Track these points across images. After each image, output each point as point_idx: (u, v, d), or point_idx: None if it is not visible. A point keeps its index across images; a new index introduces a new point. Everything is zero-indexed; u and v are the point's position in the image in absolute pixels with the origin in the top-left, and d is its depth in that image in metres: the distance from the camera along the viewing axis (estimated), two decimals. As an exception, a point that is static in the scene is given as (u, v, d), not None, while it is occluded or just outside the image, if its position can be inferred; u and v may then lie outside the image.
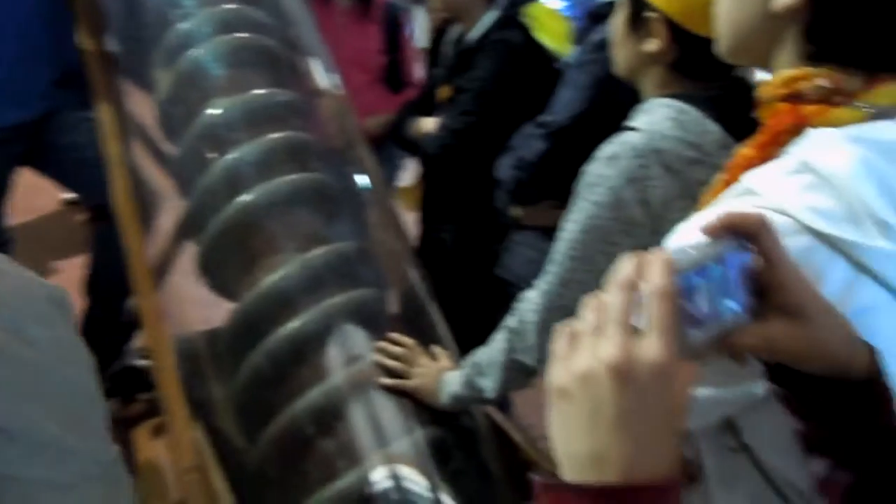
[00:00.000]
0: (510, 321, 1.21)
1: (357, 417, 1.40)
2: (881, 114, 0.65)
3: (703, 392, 0.68)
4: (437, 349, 1.42)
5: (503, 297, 2.08)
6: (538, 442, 1.50)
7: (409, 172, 2.77)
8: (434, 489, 1.35)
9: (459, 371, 1.31)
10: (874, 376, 0.57)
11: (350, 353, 1.45)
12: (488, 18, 1.97)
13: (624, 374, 0.47)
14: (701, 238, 0.55)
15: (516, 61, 1.71)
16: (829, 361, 0.56)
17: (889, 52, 0.65)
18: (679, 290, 0.49)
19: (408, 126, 2.11)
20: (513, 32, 1.92)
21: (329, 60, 1.96)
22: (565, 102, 1.61)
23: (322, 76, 1.90)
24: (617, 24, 1.15)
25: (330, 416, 1.39)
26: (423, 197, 2.34)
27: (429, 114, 2.08)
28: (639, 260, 0.50)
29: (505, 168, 1.69)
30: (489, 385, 1.24)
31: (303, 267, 1.52)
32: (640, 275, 0.49)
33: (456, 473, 1.39)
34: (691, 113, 1.05)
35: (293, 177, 1.64)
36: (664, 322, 0.48)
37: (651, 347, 0.47)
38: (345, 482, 1.33)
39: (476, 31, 1.99)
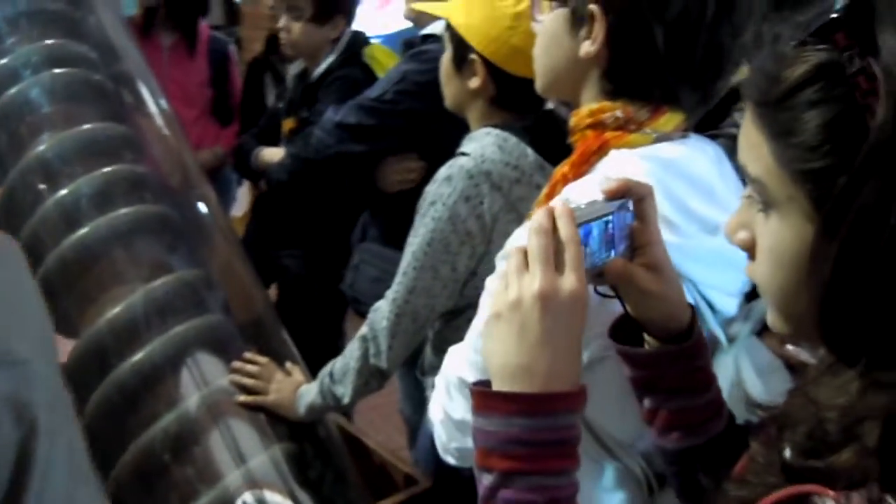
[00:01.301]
0: (362, 330, 1.32)
1: (213, 439, 1.44)
2: (662, 137, 0.84)
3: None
4: (290, 365, 1.49)
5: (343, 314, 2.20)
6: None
7: (239, 204, 2.81)
8: (295, 500, 1.42)
9: (315, 383, 1.39)
10: (693, 328, 0.74)
11: (202, 377, 1.49)
12: (331, 57, 2.11)
13: (548, 300, 0.60)
14: (593, 198, 0.69)
15: (356, 94, 1.85)
16: (666, 309, 0.72)
17: (666, 90, 0.85)
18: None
19: (252, 156, 2.18)
20: (354, 69, 2.08)
21: (159, 93, 1.98)
22: None
23: (154, 109, 1.92)
24: (444, 63, 1.32)
25: (185, 441, 1.42)
26: (254, 226, 2.41)
27: (271, 144, 2.16)
28: (549, 213, 0.64)
29: None
30: (345, 392, 1.34)
31: (146, 297, 1.54)
32: (552, 224, 0.63)
33: (315, 482, 1.47)
34: (511, 140, 1.23)
35: (131, 209, 1.65)
36: (576, 261, 0.62)
37: (568, 280, 0.61)
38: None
39: (320, 68, 2.11)
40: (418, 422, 1.72)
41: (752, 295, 0.96)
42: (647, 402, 0.78)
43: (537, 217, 0.65)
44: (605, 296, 0.75)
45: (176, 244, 1.71)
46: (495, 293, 0.64)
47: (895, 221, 0.44)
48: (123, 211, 1.63)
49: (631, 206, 0.71)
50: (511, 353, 0.62)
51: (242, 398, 1.41)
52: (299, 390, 1.41)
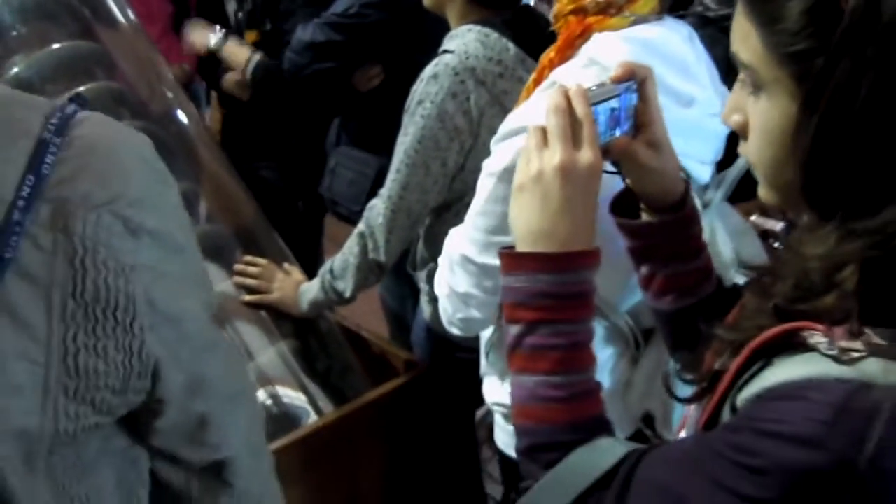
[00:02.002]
0: (360, 228, 1.40)
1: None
2: (640, 19, 0.91)
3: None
4: (288, 266, 1.57)
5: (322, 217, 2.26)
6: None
7: (208, 122, 2.80)
8: (306, 391, 1.52)
9: (316, 280, 1.48)
10: (686, 199, 0.82)
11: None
12: None
13: (568, 172, 0.68)
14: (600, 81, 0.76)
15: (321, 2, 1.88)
16: (664, 183, 0.80)
17: None
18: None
19: (219, 72, 2.19)
20: None
21: (126, 9, 1.97)
22: None
23: (124, 25, 1.92)
24: None
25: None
26: (227, 142, 2.43)
27: None
28: (565, 93, 0.70)
29: None
30: (346, 286, 1.42)
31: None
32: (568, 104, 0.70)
33: (321, 373, 1.58)
34: (492, 35, 1.28)
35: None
36: (592, 137, 0.69)
37: (585, 154, 0.69)
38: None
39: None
40: (401, 314, 1.82)
41: (722, 164, 1.05)
42: (644, 270, 0.87)
43: (554, 97, 0.71)
44: (607, 172, 0.83)
45: (163, 157, 1.75)
46: (518, 168, 0.72)
47: (865, 94, 0.52)
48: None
49: (635, 87, 0.78)
50: (535, 219, 0.70)
51: (248, 297, 1.49)
52: (301, 288, 1.50)
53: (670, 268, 0.84)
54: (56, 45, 1.75)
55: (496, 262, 0.76)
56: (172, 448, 0.67)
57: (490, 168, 0.95)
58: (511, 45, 1.28)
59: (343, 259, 1.42)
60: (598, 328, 1.04)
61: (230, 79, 2.20)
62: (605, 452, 0.66)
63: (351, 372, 1.57)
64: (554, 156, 0.69)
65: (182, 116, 1.88)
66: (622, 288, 1.01)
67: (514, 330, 0.70)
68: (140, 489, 0.68)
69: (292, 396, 1.51)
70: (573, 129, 0.70)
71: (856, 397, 0.52)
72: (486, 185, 0.96)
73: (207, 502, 0.71)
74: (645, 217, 0.84)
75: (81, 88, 1.70)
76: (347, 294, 1.43)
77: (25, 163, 0.53)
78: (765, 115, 0.59)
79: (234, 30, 2.23)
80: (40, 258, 0.53)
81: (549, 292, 0.69)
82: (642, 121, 0.78)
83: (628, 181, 0.82)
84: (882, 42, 0.51)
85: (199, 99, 2.76)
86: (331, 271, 1.44)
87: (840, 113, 0.53)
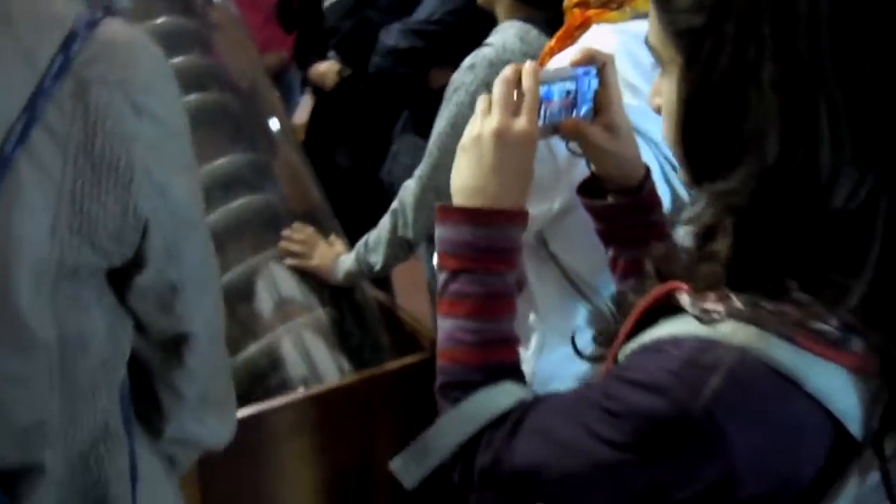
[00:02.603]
0: (393, 205, 1.48)
1: (261, 298, 1.64)
2: (638, 15, 0.96)
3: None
4: (333, 237, 1.68)
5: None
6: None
7: (301, 110, 2.98)
8: (333, 354, 1.62)
9: (352, 252, 1.57)
10: (646, 185, 0.86)
11: (256, 245, 1.68)
12: None
13: (502, 136, 0.74)
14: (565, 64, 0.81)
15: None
16: (622, 166, 0.84)
17: None
18: (542, 92, 0.76)
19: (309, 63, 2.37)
20: None
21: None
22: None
23: (223, 9, 2.09)
24: None
25: (233, 299, 1.62)
26: (312, 129, 2.59)
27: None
28: (517, 69, 0.77)
29: None
30: (377, 260, 1.51)
31: (211, 173, 1.72)
32: (516, 78, 0.76)
33: (354, 348, 1.67)
34: (532, 32, 1.35)
35: (195, 96, 1.83)
36: (530, 108, 0.75)
37: (521, 122, 0.74)
38: (251, 351, 1.57)
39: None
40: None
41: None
42: (609, 252, 0.92)
43: (505, 71, 0.78)
44: (574, 153, 0.88)
45: (237, 134, 1.89)
46: (465, 132, 0.78)
47: (724, 67, 0.55)
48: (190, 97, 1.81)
49: (595, 73, 0.83)
50: (468, 177, 0.76)
51: (290, 261, 1.60)
52: (339, 258, 1.60)
53: (632, 252, 0.87)
54: (159, 20, 1.93)
55: None
56: (145, 311, 0.77)
57: None
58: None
59: (377, 234, 1.51)
60: (581, 310, 1.08)
61: (316, 70, 2.35)
62: (505, 395, 0.70)
63: (381, 351, 1.65)
64: (492, 121, 0.74)
65: (264, 99, 2.03)
66: (602, 270, 1.05)
67: (441, 277, 0.76)
68: (125, 344, 0.78)
69: (322, 358, 1.61)
70: (517, 100, 0.75)
71: (703, 353, 0.56)
72: None
73: (163, 374, 0.82)
74: (610, 200, 0.88)
75: (176, 59, 1.88)
76: (377, 267, 1.52)
77: (59, 45, 0.65)
78: (666, 94, 0.63)
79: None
80: (62, 119, 0.65)
81: (470, 243, 0.74)
82: (600, 104, 0.82)
83: (592, 165, 0.87)
84: (740, 19, 0.55)
85: (293, 86, 2.94)
86: (365, 244, 1.53)
87: (703, 86, 0.57)
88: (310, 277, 1.63)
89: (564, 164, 0.94)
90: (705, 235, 0.60)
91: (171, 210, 0.73)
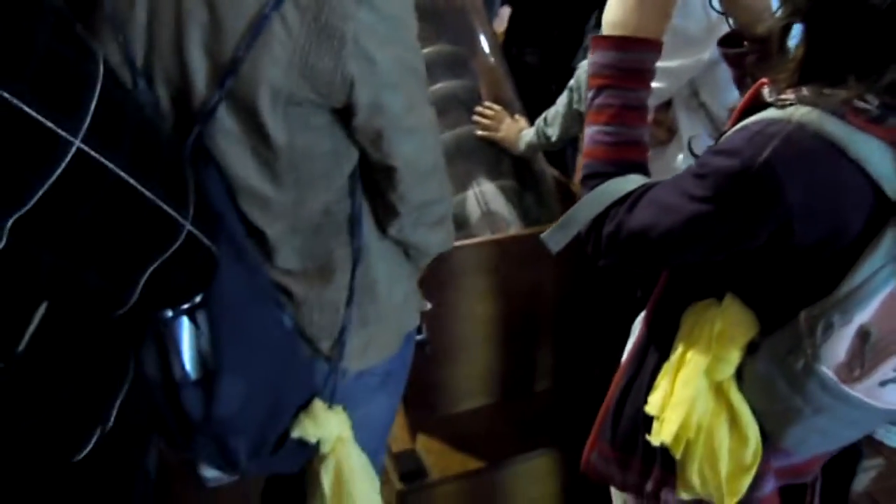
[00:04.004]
0: (570, 82, 1.71)
1: (457, 164, 1.94)
2: None
3: (672, 63, 1.19)
4: (518, 116, 1.94)
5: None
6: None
7: (500, 20, 3.24)
8: (511, 213, 1.90)
9: (534, 127, 1.83)
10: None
11: (456, 121, 1.98)
12: None
13: None
14: None
15: None
16: (751, 14, 1.02)
17: None
18: None
19: None
20: None
21: None
22: None
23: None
24: None
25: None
26: (508, 34, 2.85)
27: None
28: None
29: None
30: (553, 132, 1.76)
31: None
32: None
33: (529, 208, 1.94)
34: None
35: None
36: None
37: None
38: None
39: None
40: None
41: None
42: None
43: None
44: (715, 10, 1.07)
45: (444, 30, 2.18)
46: None
47: None
48: None
49: None
50: (615, 13, 0.98)
51: (480, 132, 1.89)
52: (522, 132, 1.86)
53: None
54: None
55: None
56: (363, 145, 1.04)
57: None
58: None
59: (555, 109, 1.75)
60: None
61: None
62: (631, 183, 0.94)
63: (552, 214, 1.90)
64: None
65: (471, 6, 2.31)
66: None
67: (590, 94, 1.00)
68: (345, 163, 1.06)
69: (503, 215, 1.90)
70: None
71: (770, 125, 0.77)
72: None
73: (386, 190, 1.08)
74: (744, 48, 1.07)
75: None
76: (554, 139, 1.77)
77: None
78: None
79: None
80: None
81: (613, 64, 0.97)
82: None
83: (729, 18, 1.05)
84: None
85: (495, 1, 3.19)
86: (545, 119, 1.78)
87: None
88: (498, 149, 1.91)
89: (715, 21, 1.13)
90: (781, 38, 0.80)
91: (376, 73, 0.97)
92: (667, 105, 1.44)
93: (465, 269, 1.78)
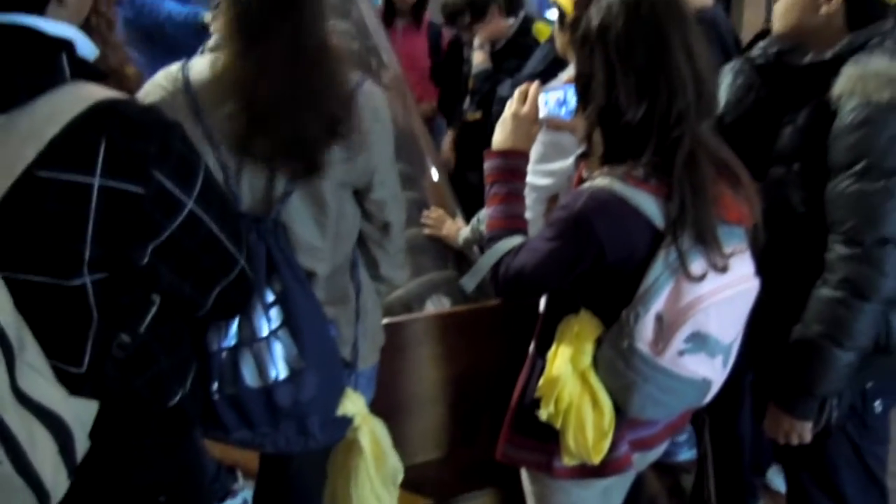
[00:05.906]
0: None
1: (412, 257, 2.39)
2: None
3: (554, 165, 1.69)
4: (458, 218, 2.42)
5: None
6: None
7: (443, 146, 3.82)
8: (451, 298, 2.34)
9: (468, 226, 2.31)
10: None
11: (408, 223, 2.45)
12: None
13: (516, 116, 1.45)
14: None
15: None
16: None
17: None
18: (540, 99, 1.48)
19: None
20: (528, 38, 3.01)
21: (394, 60, 3.01)
22: None
23: (392, 71, 2.94)
24: None
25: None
26: (456, 161, 3.40)
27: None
28: (535, 84, 1.48)
29: None
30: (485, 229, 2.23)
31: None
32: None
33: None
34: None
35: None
36: (531, 102, 1.45)
37: (523, 109, 1.45)
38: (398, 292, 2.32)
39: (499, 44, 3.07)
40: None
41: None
42: None
43: (522, 86, 1.49)
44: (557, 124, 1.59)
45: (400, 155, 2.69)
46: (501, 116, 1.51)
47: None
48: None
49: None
50: (499, 136, 1.47)
51: (427, 231, 2.36)
52: (461, 231, 2.33)
53: None
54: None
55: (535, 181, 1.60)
56: (371, 209, 1.57)
57: None
58: None
59: (485, 211, 2.23)
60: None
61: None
62: (516, 240, 1.40)
63: (488, 296, 2.34)
64: (512, 108, 1.47)
65: (419, 134, 2.85)
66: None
67: (486, 187, 1.47)
68: (358, 224, 1.58)
69: (444, 301, 2.34)
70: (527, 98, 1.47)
71: (584, 189, 1.26)
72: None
73: (379, 241, 1.63)
74: None
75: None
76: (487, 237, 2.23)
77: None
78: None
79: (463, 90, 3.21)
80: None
81: (498, 167, 1.45)
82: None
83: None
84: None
85: (441, 127, 3.78)
86: (478, 219, 2.25)
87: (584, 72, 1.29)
88: (440, 245, 2.38)
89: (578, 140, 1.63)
90: (590, 143, 1.29)
91: (385, 167, 1.54)
92: (555, 198, 1.93)
93: (416, 339, 2.19)
